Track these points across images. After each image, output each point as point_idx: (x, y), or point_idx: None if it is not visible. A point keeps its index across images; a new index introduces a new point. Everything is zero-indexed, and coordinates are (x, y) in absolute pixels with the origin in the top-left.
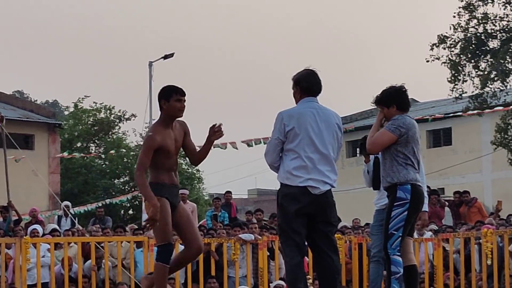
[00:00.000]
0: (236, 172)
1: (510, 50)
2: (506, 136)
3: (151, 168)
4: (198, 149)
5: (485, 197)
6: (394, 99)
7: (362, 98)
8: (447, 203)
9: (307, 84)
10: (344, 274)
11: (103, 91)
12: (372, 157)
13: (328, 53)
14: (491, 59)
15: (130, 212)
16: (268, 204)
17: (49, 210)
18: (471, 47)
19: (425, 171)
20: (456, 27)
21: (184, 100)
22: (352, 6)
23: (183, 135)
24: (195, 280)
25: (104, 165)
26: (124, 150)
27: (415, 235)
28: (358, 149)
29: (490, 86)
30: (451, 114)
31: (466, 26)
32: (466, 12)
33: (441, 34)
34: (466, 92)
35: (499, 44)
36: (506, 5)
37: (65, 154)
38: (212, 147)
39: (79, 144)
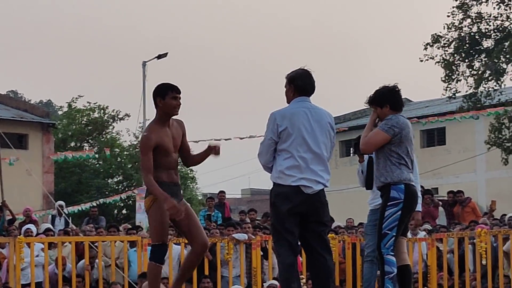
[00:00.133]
0: (229, 172)
1: (504, 49)
2: (500, 135)
3: None
4: (192, 150)
5: (479, 196)
6: (387, 99)
7: (355, 97)
8: (440, 203)
9: (301, 83)
10: (338, 274)
11: (97, 91)
12: (366, 156)
13: (322, 52)
14: (485, 59)
15: (124, 211)
16: (261, 204)
17: (43, 209)
18: (465, 47)
19: (419, 171)
20: (450, 27)
21: (180, 98)
22: (346, 6)
23: (181, 134)
24: (188, 279)
25: (97, 165)
26: (118, 150)
27: (409, 235)
28: (352, 149)
29: (484, 85)
30: (446, 117)
31: (460, 26)
32: (460, 11)
33: (435, 34)
34: (460, 92)
35: (493, 43)
36: (500, 4)
37: (59, 153)
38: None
39: (72, 144)
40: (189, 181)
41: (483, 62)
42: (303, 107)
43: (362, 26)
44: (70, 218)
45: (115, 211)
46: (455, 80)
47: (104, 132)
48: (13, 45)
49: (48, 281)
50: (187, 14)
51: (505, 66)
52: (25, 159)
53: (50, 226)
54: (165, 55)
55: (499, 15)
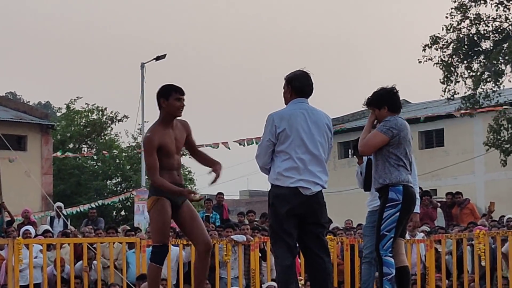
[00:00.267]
0: (228, 173)
1: (503, 51)
2: (498, 137)
3: None
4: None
5: (477, 198)
6: (385, 101)
7: (353, 99)
8: (439, 204)
9: (299, 85)
10: (336, 275)
11: (96, 93)
12: (365, 158)
13: (320, 54)
14: (484, 60)
15: (122, 213)
16: (260, 205)
17: (41, 211)
18: (463, 48)
19: (417, 172)
20: (448, 28)
21: (184, 99)
22: (344, 8)
23: (185, 135)
24: (187, 281)
25: (96, 166)
26: (116, 152)
27: (407, 236)
28: (351, 151)
29: (483, 87)
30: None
31: (459, 27)
32: (459, 12)
33: (434, 35)
34: (458, 93)
35: (491, 45)
36: (499, 5)
37: (58, 153)
38: (204, 145)
39: (71, 145)
40: (187, 183)
41: (482, 64)
42: (300, 109)
43: (361, 27)
44: (69, 219)
45: (114, 213)
46: (453, 82)
47: (102, 134)
48: (11, 46)
49: (46, 283)
50: (185, 16)
51: (503, 68)
52: (24, 161)
53: (48, 227)
54: (163, 56)
55: (498, 17)
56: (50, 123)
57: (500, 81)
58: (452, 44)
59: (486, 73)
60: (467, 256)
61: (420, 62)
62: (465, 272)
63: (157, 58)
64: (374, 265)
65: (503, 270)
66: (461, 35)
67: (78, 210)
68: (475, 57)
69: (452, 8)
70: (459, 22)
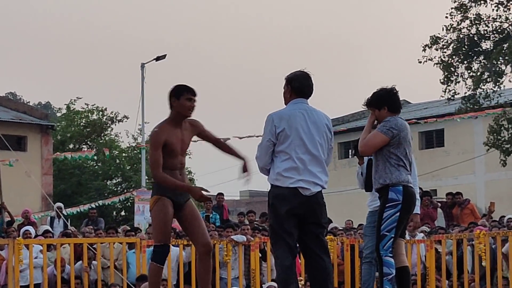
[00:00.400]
0: (228, 174)
1: (503, 51)
2: (499, 137)
3: None
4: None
5: (477, 198)
6: (385, 101)
7: (353, 99)
8: (439, 204)
9: (298, 85)
10: (336, 276)
11: (96, 93)
12: (366, 159)
13: (320, 54)
14: (484, 60)
15: (123, 213)
16: (260, 205)
17: (41, 211)
18: (463, 48)
19: (418, 173)
20: (448, 28)
21: (195, 100)
22: (344, 8)
23: (196, 134)
24: (187, 281)
25: (96, 167)
26: (117, 152)
27: (407, 236)
28: (353, 151)
29: (483, 87)
30: (445, 118)
31: (459, 27)
32: (459, 12)
33: (434, 35)
34: (458, 94)
35: (491, 45)
36: (499, 6)
37: (59, 154)
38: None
39: (71, 146)
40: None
41: (482, 64)
42: (300, 109)
43: (361, 27)
44: (69, 219)
45: (114, 213)
46: (453, 82)
47: (102, 134)
48: (11, 46)
49: (47, 283)
50: (185, 16)
51: (503, 68)
52: (24, 161)
53: (48, 228)
54: (163, 57)
55: (498, 17)
56: (50, 123)
57: (500, 81)
58: (452, 44)
59: (486, 73)
60: (468, 257)
61: (420, 62)
62: (465, 273)
63: (157, 59)
64: (375, 265)
65: (503, 270)
66: (461, 35)
67: (78, 210)
68: (475, 57)
69: (452, 8)
70: (459, 22)
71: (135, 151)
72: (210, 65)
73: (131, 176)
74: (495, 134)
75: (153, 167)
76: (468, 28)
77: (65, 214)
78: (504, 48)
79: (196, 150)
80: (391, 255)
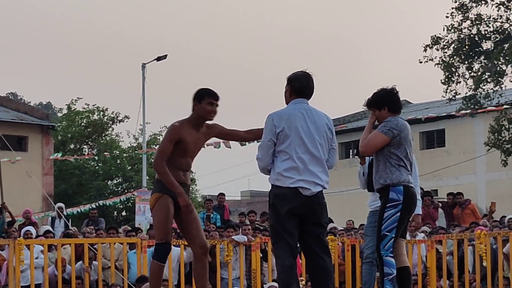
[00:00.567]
0: (229, 174)
1: (504, 51)
2: (499, 137)
3: None
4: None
5: (478, 198)
6: (385, 101)
7: (354, 99)
8: (440, 205)
9: (298, 85)
10: (337, 276)
11: (96, 93)
12: (367, 159)
13: (320, 54)
14: (485, 60)
15: (123, 213)
16: (261, 205)
17: (42, 211)
18: (464, 48)
19: (419, 173)
20: (449, 28)
21: (217, 105)
22: (344, 8)
23: (211, 137)
24: (188, 281)
25: (97, 167)
26: (117, 152)
27: (408, 236)
28: (355, 151)
29: (483, 87)
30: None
31: (460, 27)
32: (459, 12)
33: (435, 35)
34: (459, 94)
35: (492, 45)
36: (500, 6)
37: (59, 155)
38: (206, 146)
39: (72, 146)
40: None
41: (483, 64)
42: (299, 109)
43: (362, 27)
44: (70, 220)
45: (115, 213)
46: (454, 82)
47: (103, 134)
48: (12, 46)
49: (47, 283)
50: (186, 16)
51: (504, 68)
52: (25, 161)
53: (49, 228)
54: (164, 57)
55: (499, 17)
56: (51, 123)
57: (501, 82)
58: (453, 45)
59: (487, 73)
60: (469, 257)
61: (421, 62)
62: (466, 273)
63: (158, 59)
64: (375, 265)
65: (504, 270)
66: (462, 36)
67: (79, 210)
68: (476, 57)
69: (452, 8)
70: (460, 22)
71: (136, 151)
72: (210, 65)
73: (132, 176)
74: (495, 134)
75: (158, 155)
76: (469, 28)
77: (66, 214)
78: (505, 48)
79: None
80: (391, 255)
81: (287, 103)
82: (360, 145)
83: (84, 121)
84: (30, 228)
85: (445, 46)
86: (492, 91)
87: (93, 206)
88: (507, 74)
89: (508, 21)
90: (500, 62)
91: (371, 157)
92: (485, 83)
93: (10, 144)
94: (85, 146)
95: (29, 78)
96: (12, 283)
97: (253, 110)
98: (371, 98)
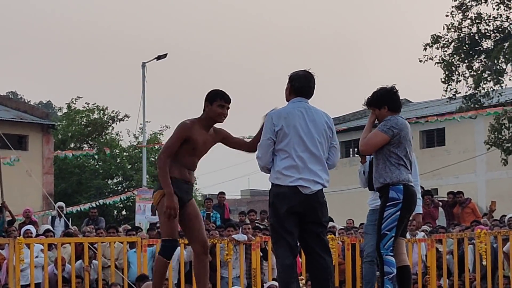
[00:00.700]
0: (229, 173)
1: (504, 50)
2: (499, 136)
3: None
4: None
5: (479, 197)
6: (385, 100)
7: (354, 98)
8: (440, 203)
9: (298, 85)
10: (337, 275)
11: (96, 92)
12: (368, 157)
13: (320, 54)
14: (485, 59)
15: (124, 212)
16: (261, 204)
17: (42, 210)
18: (464, 47)
19: (419, 172)
20: (449, 27)
21: (228, 108)
22: (344, 7)
23: (217, 142)
24: (188, 280)
25: (97, 166)
26: (117, 151)
27: (408, 235)
28: (355, 150)
29: (484, 86)
30: (445, 116)
31: (460, 26)
32: (459, 11)
33: (435, 34)
34: (459, 92)
35: (492, 44)
36: (500, 5)
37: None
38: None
39: (72, 145)
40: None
41: (483, 63)
42: (298, 108)
43: (361, 27)
44: (70, 219)
45: (115, 212)
46: (455, 81)
47: (103, 133)
48: (12, 46)
49: (47, 282)
50: (186, 15)
51: (504, 67)
52: (25, 160)
53: (49, 227)
54: (164, 56)
55: (499, 16)
56: (51, 122)
57: (501, 80)
58: (453, 43)
59: (487, 72)
60: (469, 256)
61: (421, 61)
62: (466, 272)
63: (158, 58)
64: (376, 263)
65: (504, 269)
66: (462, 34)
67: (79, 209)
68: (476, 56)
69: (452, 7)
70: (460, 21)
71: (136, 150)
72: (210, 65)
73: (132, 175)
74: (496, 133)
75: (163, 150)
76: (469, 27)
77: (66, 213)
78: (505, 47)
79: None
80: (391, 254)
81: (287, 101)
82: (360, 144)
83: (84, 120)
84: (30, 227)
85: (445, 45)
86: (492, 89)
87: (93, 205)
88: (507, 72)
89: (508, 20)
90: (500, 61)
91: (371, 156)
92: (485, 82)
93: (10, 143)
94: (85, 145)
95: (29, 77)
96: (12, 282)
97: (253, 110)
98: (370, 97)
